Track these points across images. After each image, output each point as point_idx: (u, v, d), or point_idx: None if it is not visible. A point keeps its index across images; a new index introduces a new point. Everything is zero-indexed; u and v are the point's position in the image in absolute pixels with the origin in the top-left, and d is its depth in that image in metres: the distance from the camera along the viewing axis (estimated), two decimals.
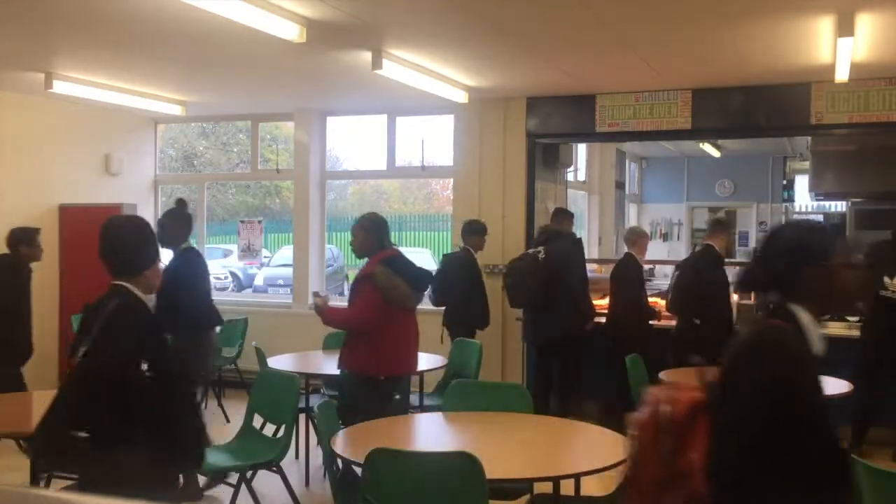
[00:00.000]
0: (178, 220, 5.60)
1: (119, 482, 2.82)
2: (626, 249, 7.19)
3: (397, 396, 4.89)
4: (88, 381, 2.90)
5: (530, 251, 6.76)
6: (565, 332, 6.55)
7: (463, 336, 6.47)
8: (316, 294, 4.95)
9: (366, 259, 4.79)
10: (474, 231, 7.14)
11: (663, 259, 11.36)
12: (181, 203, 5.83)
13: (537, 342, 6.91)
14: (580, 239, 7.17)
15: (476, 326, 7.01)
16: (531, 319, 6.83)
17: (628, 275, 6.88)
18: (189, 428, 3.08)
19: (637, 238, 7.07)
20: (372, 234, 4.77)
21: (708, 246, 6.74)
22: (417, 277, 4.85)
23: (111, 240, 3.16)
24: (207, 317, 5.60)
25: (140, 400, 2.88)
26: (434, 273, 7.18)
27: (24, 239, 5.99)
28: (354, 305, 4.74)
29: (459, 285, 6.93)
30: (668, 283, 7.35)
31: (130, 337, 2.94)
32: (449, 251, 7.81)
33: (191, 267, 5.51)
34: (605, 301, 7.38)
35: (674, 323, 6.91)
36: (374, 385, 4.62)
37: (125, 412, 2.86)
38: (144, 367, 2.88)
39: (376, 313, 4.61)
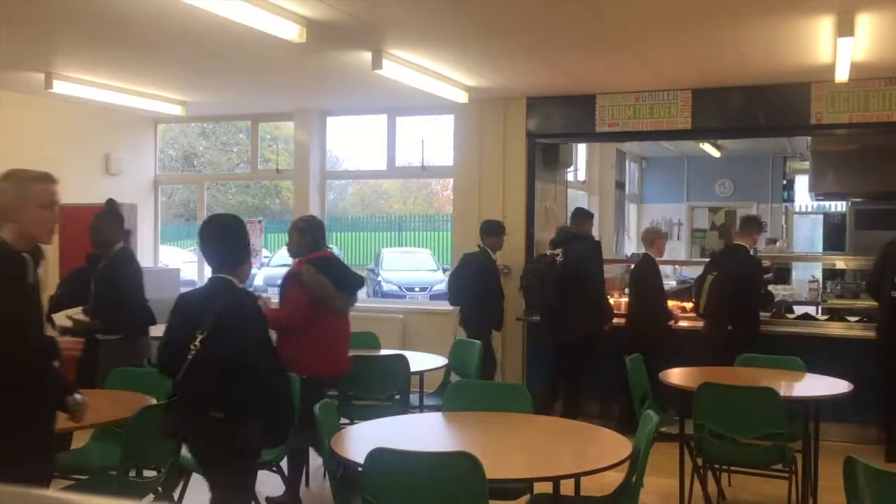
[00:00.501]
0: (108, 221, 5.46)
1: (241, 457, 3.43)
2: (643, 250, 7.13)
3: (333, 394, 5.00)
4: (221, 363, 3.24)
5: (548, 253, 6.70)
6: (583, 334, 6.48)
7: (479, 337, 6.50)
8: (259, 296, 5.04)
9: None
10: (492, 231, 7.12)
11: (663, 259, 11.35)
12: (111, 203, 5.66)
13: (555, 343, 6.77)
14: (599, 241, 7.13)
15: (492, 327, 6.98)
16: (550, 320, 6.72)
17: (647, 276, 6.80)
18: (289, 404, 3.65)
19: (655, 238, 6.99)
20: (306, 235, 4.94)
21: (738, 247, 6.57)
22: (344, 279, 4.98)
23: (218, 236, 3.57)
24: (141, 318, 5.51)
25: (267, 379, 3.35)
26: (451, 273, 7.19)
27: None
28: (282, 304, 4.88)
29: (475, 286, 6.91)
30: (687, 284, 7.30)
31: (254, 322, 3.39)
32: (447, 251, 7.81)
33: (125, 268, 5.44)
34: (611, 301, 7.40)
35: (685, 324, 6.93)
36: (303, 384, 4.67)
37: (256, 391, 3.30)
38: None
39: (302, 312, 4.76)
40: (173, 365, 3.36)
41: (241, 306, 3.37)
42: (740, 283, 6.36)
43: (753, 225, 6.85)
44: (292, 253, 5.03)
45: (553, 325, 6.68)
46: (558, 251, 6.60)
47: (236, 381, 3.25)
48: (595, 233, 10.81)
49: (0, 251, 2.87)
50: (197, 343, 3.24)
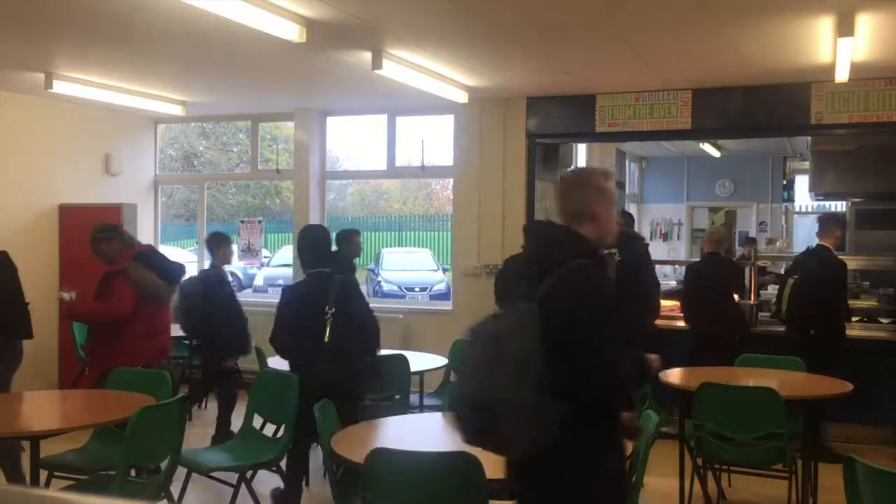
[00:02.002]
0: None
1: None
2: (706, 250, 6.94)
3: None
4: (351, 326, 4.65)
5: (604, 252, 6.59)
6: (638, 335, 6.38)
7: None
8: (63, 290, 5.32)
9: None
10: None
11: (663, 259, 11.38)
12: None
13: None
14: (648, 242, 7.12)
15: None
16: None
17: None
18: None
19: (721, 238, 6.86)
20: (113, 241, 5.15)
21: (822, 248, 6.27)
22: (169, 271, 5.28)
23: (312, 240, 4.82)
24: (21, 326, 5.41)
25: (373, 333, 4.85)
26: (497, 274, 7.18)
27: None
28: (108, 300, 4.99)
29: (516, 286, 6.86)
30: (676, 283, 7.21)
31: (359, 296, 4.95)
32: (447, 251, 7.80)
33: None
34: None
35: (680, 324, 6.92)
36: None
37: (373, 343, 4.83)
38: None
39: (130, 306, 4.95)
40: (296, 343, 4.60)
41: (345, 288, 4.69)
42: (822, 286, 6.05)
43: (833, 223, 6.44)
44: (109, 261, 5.18)
45: None
46: (614, 250, 6.49)
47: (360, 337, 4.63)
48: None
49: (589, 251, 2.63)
50: (329, 317, 4.49)
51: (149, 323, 5.12)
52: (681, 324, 7.11)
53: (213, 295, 6.24)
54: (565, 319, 2.44)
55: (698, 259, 7.25)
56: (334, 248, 6.05)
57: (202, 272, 7.03)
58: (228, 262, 6.63)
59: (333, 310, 4.51)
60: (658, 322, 6.90)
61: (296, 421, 4.46)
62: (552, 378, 2.38)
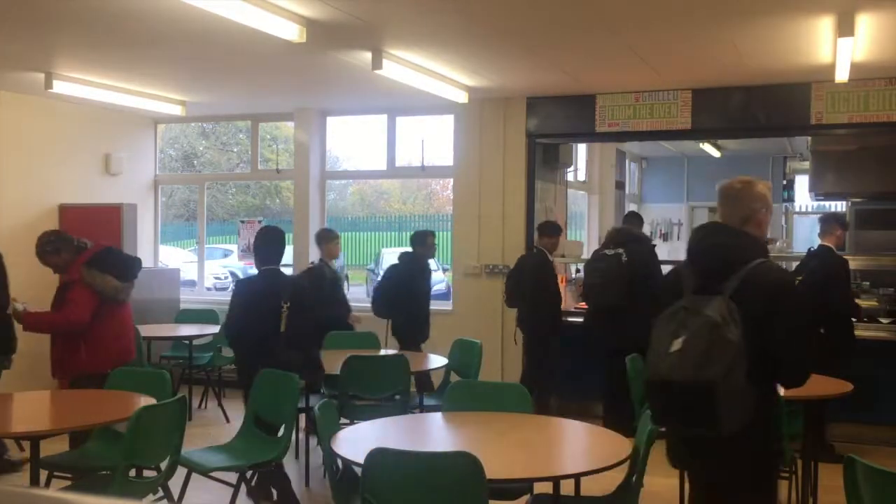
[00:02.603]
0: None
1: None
2: None
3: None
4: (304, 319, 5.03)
5: (608, 252, 6.51)
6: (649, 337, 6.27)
7: (537, 340, 6.46)
8: (15, 300, 5.15)
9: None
10: (550, 231, 7.08)
11: (663, 259, 11.35)
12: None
13: (619, 346, 6.03)
14: (654, 243, 7.12)
15: (550, 329, 6.92)
16: (608, 323, 6.44)
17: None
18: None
19: None
20: (61, 251, 4.96)
21: (824, 248, 6.20)
22: (125, 268, 5.11)
23: (269, 240, 5.20)
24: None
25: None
26: (508, 275, 7.19)
27: None
28: (66, 308, 4.85)
29: (533, 288, 6.85)
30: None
31: (309, 292, 5.30)
32: (447, 251, 7.80)
33: None
34: None
35: None
36: (102, 381, 4.77)
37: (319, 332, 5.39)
38: None
39: (87, 314, 4.83)
40: (251, 333, 4.93)
41: (299, 283, 5.23)
42: (824, 287, 5.94)
43: (834, 222, 6.36)
44: (61, 271, 5.04)
45: (613, 327, 6.34)
46: (621, 251, 6.45)
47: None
48: (595, 233, 10.87)
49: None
50: (285, 310, 4.86)
51: (110, 326, 4.98)
52: None
53: (319, 288, 6.55)
54: (767, 312, 2.75)
55: None
56: (409, 249, 7.08)
57: (309, 267, 7.25)
58: (336, 257, 7.12)
59: (289, 303, 4.91)
60: None
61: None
62: (752, 364, 2.71)
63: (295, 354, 4.90)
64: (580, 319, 7.07)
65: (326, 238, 7.12)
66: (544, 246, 7.03)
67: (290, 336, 4.91)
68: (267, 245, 5.11)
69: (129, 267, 5.16)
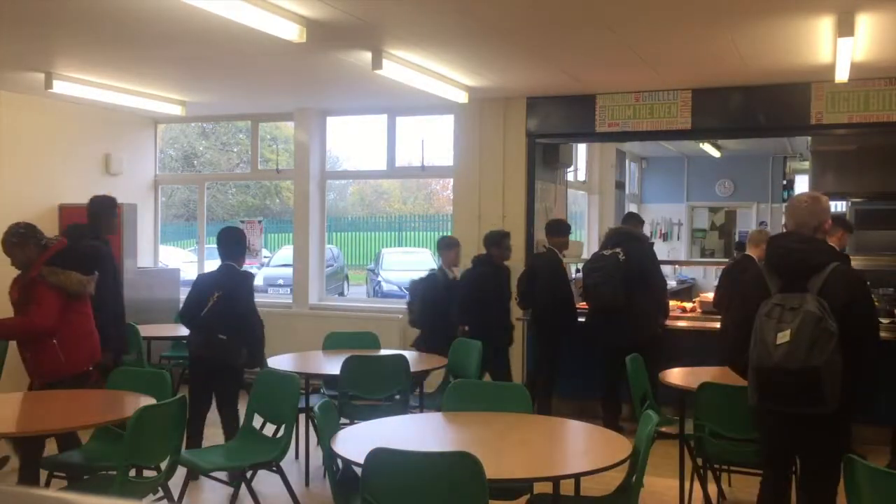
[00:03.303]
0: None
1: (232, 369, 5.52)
2: (744, 252, 6.92)
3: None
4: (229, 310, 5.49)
5: (607, 252, 6.52)
6: (650, 335, 6.29)
7: (549, 339, 6.43)
8: None
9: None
10: (558, 231, 7.05)
11: (663, 259, 11.35)
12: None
13: (619, 345, 6.10)
14: (653, 242, 7.10)
15: (564, 329, 6.89)
16: (608, 321, 6.44)
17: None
18: (262, 339, 5.73)
19: (762, 240, 6.84)
20: (27, 245, 4.74)
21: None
22: (88, 261, 5.00)
23: (229, 239, 5.66)
24: None
25: (252, 321, 5.63)
26: (519, 276, 7.19)
27: None
28: (30, 311, 4.66)
29: (547, 287, 6.83)
30: (686, 284, 7.23)
31: (247, 288, 5.70)
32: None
33: None
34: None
35: (683, 324, 6.90)
36: (85, 379, 4.74)
37: (246, 327, 5.60)
38: None
39: (53, 316, 4.65)
40: (193, 315, 5.45)
41: (241, 279, 5.57)
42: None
43: (836, 223, 6.25)
44: (20, 266, 4.81)
45: (615, 325, 6.35)
46: (618, 250, 6.45)
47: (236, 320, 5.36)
48: (595, 233, 10.88)
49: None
50: (212, 300, 5.33)
51: (81, 323, 4.84)
52: (682, 323, 7.12)
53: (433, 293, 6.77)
54: (846, 304, 3.35)
55: (734, 260, 7.29)
56: (484, 251, 6.96)
57: (429, 274, 7.15)
58: (456, 265, 7.05)
59: (217, 294, 5.36)
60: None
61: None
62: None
63: (199, 338, 5.46)
64: (581, 319, 7.08)
65: (446, 245, 7.02)
66: (555, 245, 7.01)
67: (204, 321, 5.40)
68: (227, 244, 5.62)
69: (91, 259, 5.04)
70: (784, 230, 3.85)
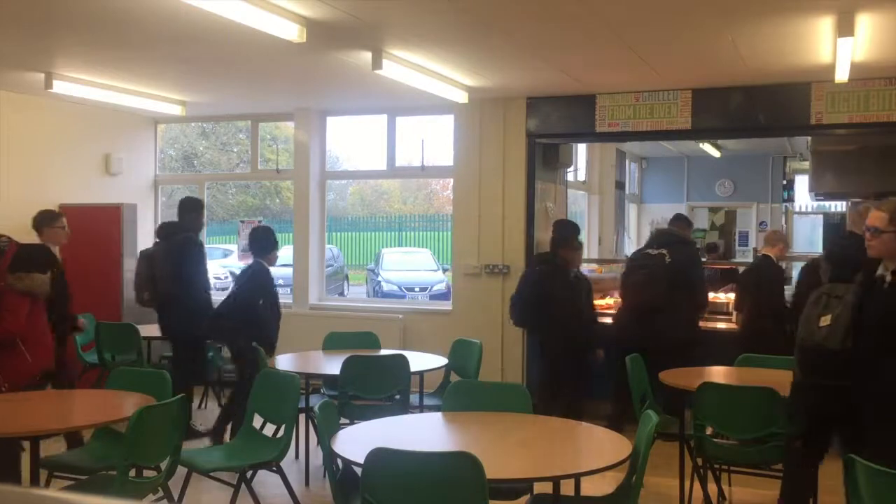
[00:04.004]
0: None
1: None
2: (760, 252, 7.01)
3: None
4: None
5: (652, 251, 6.43)
6: (685, 337, 6.21)
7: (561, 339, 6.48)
8: None
9: None
10: (571, 232, 6.97)
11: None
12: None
13: (649, 346, 5.89)
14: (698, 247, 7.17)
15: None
16: (640, 321, 6.30)
17: (769, 278, 6.68)
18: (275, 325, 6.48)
19: (778, 240, 6.87)
20: None
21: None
22: (44, 260, 5.07)
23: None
24: None
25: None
26: (527, 274, 7.15)
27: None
28: (5, 319, 4.65)
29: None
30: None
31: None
32: (447, 251, 7.72)
33: None
34: (603, 301, 7.38)
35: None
36: (49, 378, 4.80)
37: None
38: None
39: (22, 321, 4.69)
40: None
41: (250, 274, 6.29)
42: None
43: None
44: None
45: (647, 326, 6.20)
46: (664, 251, 6.39)
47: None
48: (595, 233, 10.88)
49: None
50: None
51: (40, 322, 4.86)
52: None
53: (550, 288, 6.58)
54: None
55: (755, 260, 7.32)
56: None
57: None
58: (576, 266, 6.78)
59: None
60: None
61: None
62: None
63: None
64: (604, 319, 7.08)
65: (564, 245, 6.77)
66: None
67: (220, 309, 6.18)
68: (252, 241, 6.37)
69: (46, 257, 5.12)
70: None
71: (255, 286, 6.20)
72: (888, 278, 3.70)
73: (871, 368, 3.65)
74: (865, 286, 3.79)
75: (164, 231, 6.84)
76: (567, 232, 6.83)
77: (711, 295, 7.25)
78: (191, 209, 6.78)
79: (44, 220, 6.11)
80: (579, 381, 6.59)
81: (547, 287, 6.55)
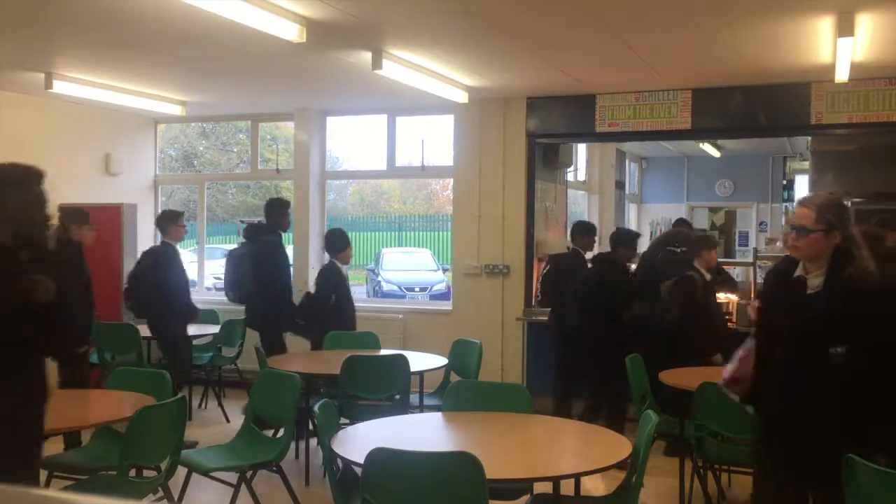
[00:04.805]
0: None
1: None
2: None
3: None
4: None
5: (678, 249, 6.44)
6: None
7: (574, 340, 6.48)
8: None
9: None
10: (585, 231, 7.03)
11: None
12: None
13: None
14: None
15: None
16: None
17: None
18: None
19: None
20: None
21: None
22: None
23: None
24: None
25: None
26: (543, 275, 7.14)
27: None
28: None
29: (571, 287, 6.71)
30: None
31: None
32: (447, 251, 7.73)
33: None
34: None
35: None
36: None
37: None
38: None
39: None
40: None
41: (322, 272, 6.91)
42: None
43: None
44: None
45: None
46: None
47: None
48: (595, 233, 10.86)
49: None
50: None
51: None
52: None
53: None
54: None
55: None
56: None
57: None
58: (630, 261, 6.82)
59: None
60: None
61: None
62: None
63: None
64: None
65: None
66: (581, 246, 6.95)
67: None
68: (329, 241, 6.85)
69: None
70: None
71: (326, 284, 6.70)
72: (815, 283, 3.22)
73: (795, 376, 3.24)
74: (778, 287, 3.40)
75: (249, 232, 7.16)
76: (629, 232, 6.95)
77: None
78: (277, 209, 7.10)
79: (74, 218, 6.30)
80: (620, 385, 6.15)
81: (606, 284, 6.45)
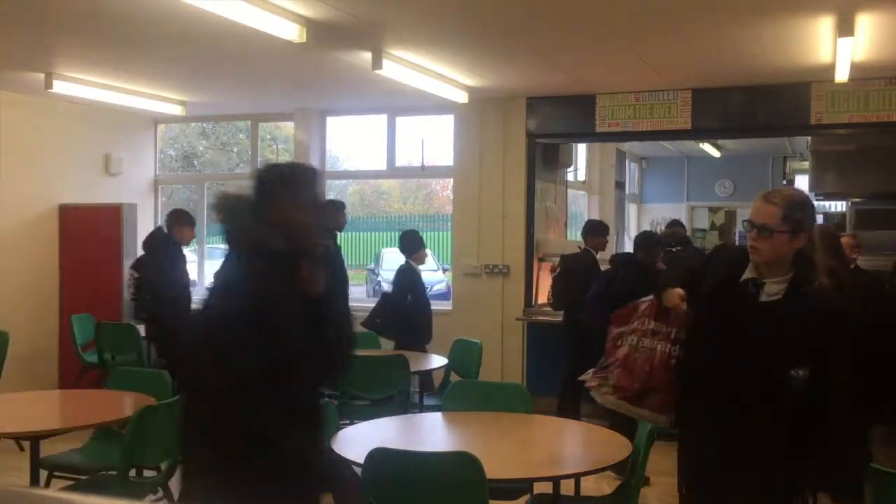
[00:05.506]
0: None
1: None
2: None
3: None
4: None
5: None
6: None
7: (585, 340, 6.44)
8: None
9: None
10: (597, 231, 6.99)
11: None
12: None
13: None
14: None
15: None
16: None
17: None
18: None
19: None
20: None
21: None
22: None
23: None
24: None
25: None
26: (555, 276, 7.12)
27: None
28: None
29: (585, 287, 6.62)
30: None
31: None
32: (447, 251, 7.74)
33: None
34: None
35: None
36: None
37: None
38: None
39: None
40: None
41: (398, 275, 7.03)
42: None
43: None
44: None
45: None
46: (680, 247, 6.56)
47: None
48: None
49: None
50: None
51: None
52: None
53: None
54: None
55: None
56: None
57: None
58: (601, 249, 7.01)
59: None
60: None
61: None
62: None
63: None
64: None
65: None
66: (592, 246, 6.90)
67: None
68: (404, 242, 6.96)
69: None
70: None
71: (402, 284, 6.90)
72: (772, 290, 2.72)
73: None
74: (719, 292, 2.82)
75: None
76: (649, 237, 6.79)
77: None
78: (335, 210, 7.17)
79: (179, 219, 6.94)
80: None
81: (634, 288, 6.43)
